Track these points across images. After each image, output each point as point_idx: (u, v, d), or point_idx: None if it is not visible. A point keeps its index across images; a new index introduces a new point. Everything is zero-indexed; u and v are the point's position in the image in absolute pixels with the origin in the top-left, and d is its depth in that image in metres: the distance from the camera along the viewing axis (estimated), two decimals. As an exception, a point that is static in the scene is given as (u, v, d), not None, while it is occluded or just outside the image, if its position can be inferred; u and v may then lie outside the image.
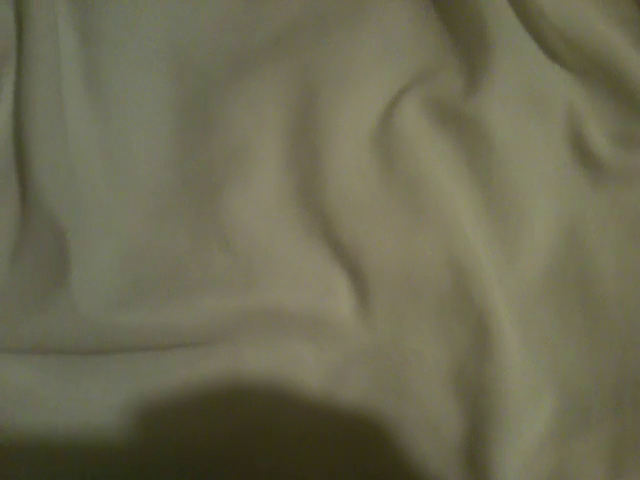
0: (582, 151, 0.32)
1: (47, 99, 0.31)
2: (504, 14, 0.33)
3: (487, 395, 0.29)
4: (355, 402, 0.30)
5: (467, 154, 0.32)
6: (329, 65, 0.32)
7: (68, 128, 0.31)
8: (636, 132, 0.33)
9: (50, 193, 0.30)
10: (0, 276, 0.30)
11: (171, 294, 0.30)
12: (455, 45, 0.33)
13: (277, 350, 0.30)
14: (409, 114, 0.32)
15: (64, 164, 0.31)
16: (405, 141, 0.32)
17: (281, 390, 0.30)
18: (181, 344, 0.30)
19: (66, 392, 0.29)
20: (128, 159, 0.32)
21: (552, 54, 0.33)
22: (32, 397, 0.29)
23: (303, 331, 0.30)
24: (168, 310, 0.30)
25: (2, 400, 0.29)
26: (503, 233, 0.31)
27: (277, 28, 0.33)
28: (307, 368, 0.30)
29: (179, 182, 0.31)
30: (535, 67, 0.33)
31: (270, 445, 0.30)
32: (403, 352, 0.30)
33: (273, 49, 0.33)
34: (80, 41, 0.32)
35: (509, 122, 0.32)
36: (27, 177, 0.31)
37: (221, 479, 0.30)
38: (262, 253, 0.30)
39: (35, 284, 0.30)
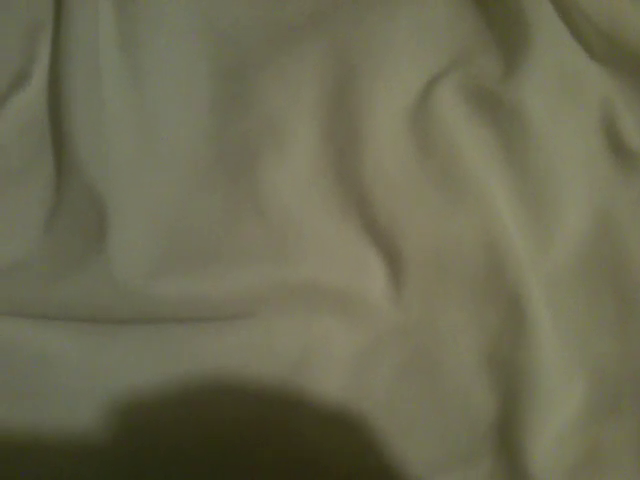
0: (615, 141, 0.33)
1: (84, 69, 0.31)
2: (543, 5, 0.33)
3: (520, 376, 0.29)
4: (385, 381, 0.29)
5: (503, 138, 0.32)
6: (366, 44, 0.33)
7: (105, 97, 0.31)
8: None
9: (87, 161, 0.30)
10: (34, 241, 0.30)
11: (205, 264, 0.30)
12: (493, 31, 0.34)
13: (309, 326, 0.30)
14: (446, 96, 0.32)
15: (101, 132, 0.31)
16: (442, 123, 0.32)
17: (310, 371, 0.30)
18: (214, 317, 0.29)
19: (98, 359, 0.29)
20: (164, 129, 0.32)
21: (588, 47, 0.33)
22: (63, 362, 0.29)
23: (335, 308, 0.30)
24: (200, 281, 0.29)
25: (33, 364, 0.29)
26: (537, 217, 0.31)
27: (312, 6, 0.34)
28: (337, 345, 0.30)
29: (215, 153, 0.32)
30: (572, 59, 0.33)
31: (285, 432, 0.29)
32: (436, 332, 0.30)
33: (309, 27, 0.33)
34: (117, 10, 0.32)
35: (545, 109, 0.32)
36: (63, 144, 0.31)
37: (241, 460, 0.29)
38: (296, 227, 0.30)
39: (70, 250, 0.30)
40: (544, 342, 0.29)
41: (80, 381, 0.29)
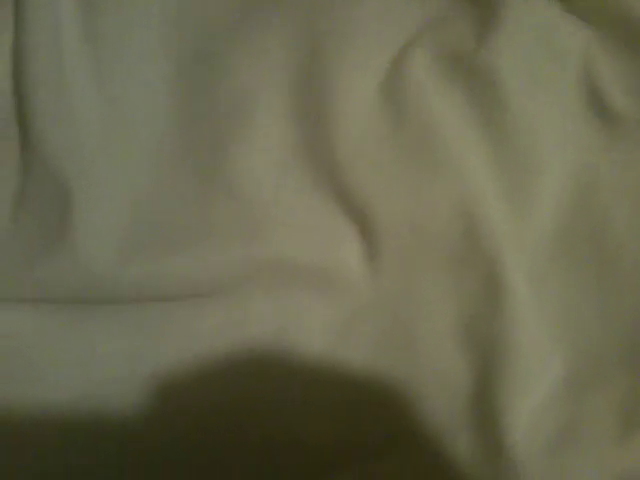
0: (597, 104, 0.32)
1: (46, 48, 0.30)
2: None
3: (497, 348, 0.28)
4: (363, 355, 0.29)
5: (479, 104, 0.31)
6: (333, 17, 0.32)
7: (67, 76, 0.31)
8: None
9: (51, 142, 0.30)
10: (1, 225, 0.30)
11: (176, 245, 0.29)
12: None
13: (284, 302, 0.29)
14: (418, 65, 0.31)
15: (65, 113, 0.30)
16: (415, 91, 0.31)
17: (285, 348, 0.29)
18: (187, 296, 0.29)
19: (72, 340, 0.29)
20: (128, 105, 0.31)
21: (568, 5, 0.32)
22: (36, 345, 0.29)
23: (310, 283, 0.29)
24: (173, 260, 0.29)
25: (6, 348, 0.28)
26: (515, 184, 0.30)
27: None
28: (314, 320, 0.29)
29: (182, 129, 0.31)
30: (550, 18, 0.32)
31: (271, 409, 0.29)
32: (412, 305, 0.29)
33: (275, 2, 0.32)
34: None
35: (522, 72, 0.31)
36: (28, 126, 0.30)
37: (217, 444, 0.29)
38: (268, 203, 0.30)
39: (37, 233, 0.29)
40: (521, 313, 0.29)
41: (56, 360, 0.28)
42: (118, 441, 0.28)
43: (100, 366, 0.28)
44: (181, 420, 0.29)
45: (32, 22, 0.31)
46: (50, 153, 0.30)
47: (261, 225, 0.30)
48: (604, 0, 0.32)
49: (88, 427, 0.28)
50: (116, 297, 0.29)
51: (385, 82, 0.31)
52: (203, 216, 0.30)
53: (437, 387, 0.29)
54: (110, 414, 0.28)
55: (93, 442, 0.28)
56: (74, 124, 0.30)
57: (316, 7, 0.32)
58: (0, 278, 0.29)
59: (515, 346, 0.28)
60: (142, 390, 0.28)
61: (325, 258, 0.29)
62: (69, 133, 0.30)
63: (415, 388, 0.29)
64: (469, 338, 0.29)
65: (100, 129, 0.31)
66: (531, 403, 0.28)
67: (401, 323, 0.29)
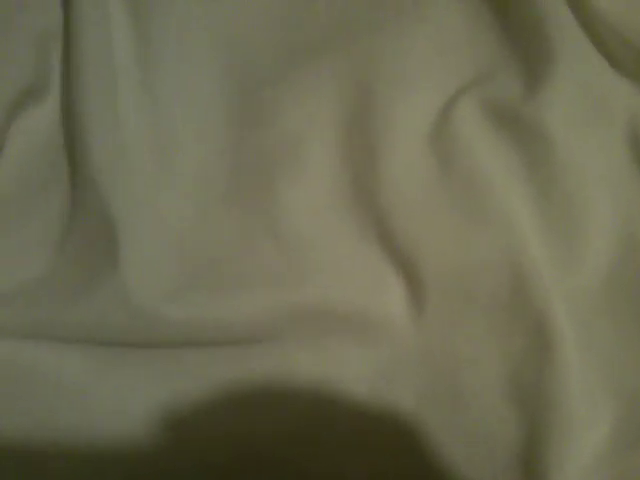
0: None
1: (99, 85, 0.31)
2: (565, 19, 0.32)
3: (544, 404, 0.28)
4: (405, 407, 0.29)
5: (526, 156, 0.31)
6: (384, 62, 0.32)
7: (120, 113, 0.31)
8: None
9: (100, 179, 0.30)
10: (47, 263, 0.30)
11: (220, 286, 0.29)
12: (513, 47, 0.33)
13: (325, 348, 0.29)
14: (467, 114, 0.31)
15: (115, 150, 0.31)
16: (462, 141, 0.31)
17: (327, 393, 0.29)
18: (229, 341, 0.29)
19: (111, 382, 0.29)
20: (179, 147, 0.32)
21: (614, 62, 0.33)
22: (76, 385, 0.29)
23: (352, 331, 0.29)
24: (215, 304, 0.29)
25: (46, 386, 0.29)
26: (562, 238, 0.30)
27: (328, 24, 0.33)
28: (355, 370, 0.29)
29: (229, 172, 0.31)
30: (596, 73, 0.32)
31: (312, 448, 0.29)
32: (457, 355, 0.29)
33: (325, 45, 0.33)
34: (132, 25, 0.33)
35: (569, 126, 0.31)
36: (78, 163, 0.31)
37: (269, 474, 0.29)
38: (313, 248, 0.30)
39: (83, 271, 0.30)
40: (569, 369, 0.28)
41: (95, 403, 0.28)
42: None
43: (133, 413, 0.29)
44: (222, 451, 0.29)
45: (84, 51, 0.31)
46: (99, 187, 0.30)
47: (304, 270, 0.30)
48: None
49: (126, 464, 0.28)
50: (158, 336, 0.29)
51: (433, 130, 0.31)
52: (247, 257, 0.30)
53: (483, 440, 0.28)
54: (144, 455, 0.28)
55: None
56: (123, 159, 0.31)
57: (365, 54, 0.33)
58: (46, 315, 0.29)
59: (562, 403, 0.28)
60: (173, 436, 0.28)
61: (368, 305, 0.29)
62: (120, 171, 0.31)
63: (460, 443, 0.28)
64: (515, 394, 0.28)
65: (149, 164, 0.31)
66: (578, 461, 0.27)
67: (445, 375, 0.29)
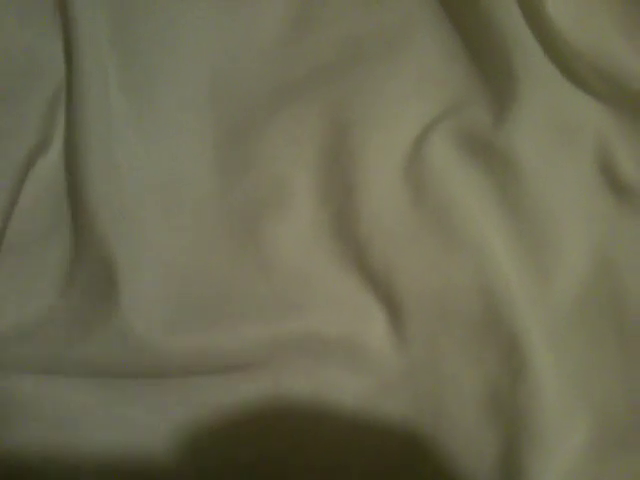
0: (611, 178, 0.33)
1: (96, 132, 0.33)
2: (529, 45, 0.34)
3: (521, 417, 0.29)
4: (391, 425, 0.31)
5: (497, 183, 0.33)
6: (360, 101, 0.34)
7: (116, 160, 0.33)
8: None
9: (100, 221, 0.32)
10: (53, 301, 0.32)
11: (215, 319, 0.31)
12: (483, 77, 0.35)
13: (314, 374, 0.31)
14: (439, 145, 0.33)
15: (112, 194, 0.33)
16: (435, 171, 0.33)
17: (317, 414, 0.31)
18: (224, 368, 0.31)
19: (117, 414, 0.31)
20: (172, 189, 0.34)
21: (580, 82, 0.34)
22: (85, 418, 0.31)
23: (339, 356, 0.31)
24: (212, 335, 0.31)
25: (57, 420, 0.31)
26: (534, 259, 0.32)
27: (316, 60, 0.35)
28: (343, 392, 0.31)
29: (221, 212, 0.33)
30: (563, 96, 0.34)
31: (303, 470, 0.31)
32: (438, 376, 0.31)
33: (310, 82, 0.35)
34: (127, 78, 0.35)
35: (538, 151, 0.33)
36: (78, 207, 0.33)
37: None
38: (300, 281, 0.32)
39: (86, 309, 0.32)
40: (544, 383, 0.30)
41: (102, 433, 0.31)
42: None
43: (142, 436, 0.31)
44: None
45: (82, 103, 0.34)
46: (100, 232, 0.32)
47: (291, 301, 0.32)
48: (614, 76, 0.34)
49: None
50: (158, 367, 0.31)
51: (407, 163, 0.33)
52: (239, 290, 0.32)
53: (464, 454, 0.30)
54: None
55: None
56: (122, 202, 0.33)
57: (343, 93, 0.34)
58: (52, 352, 0.31)
59: (539, 413, 0.29)
60: (180, 462, 0.30)
61: (353, 332, 0.31)
62: (118, 213, 0.33)
63: (442, 456, 0.30)
64: (494, 407, 0.30)
65: (146, 210, 0.33)
66: (556, 471, 0.29)
67: (428, 394, 0.31)
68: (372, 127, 0.33)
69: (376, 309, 0.32)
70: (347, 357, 0.31)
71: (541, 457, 0.29)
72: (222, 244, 0.33)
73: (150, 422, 0.31)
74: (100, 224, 0.32)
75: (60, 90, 0.34)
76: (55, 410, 0.31)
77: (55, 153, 0.34)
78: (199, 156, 0.34)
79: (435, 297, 0.31)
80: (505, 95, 0.34)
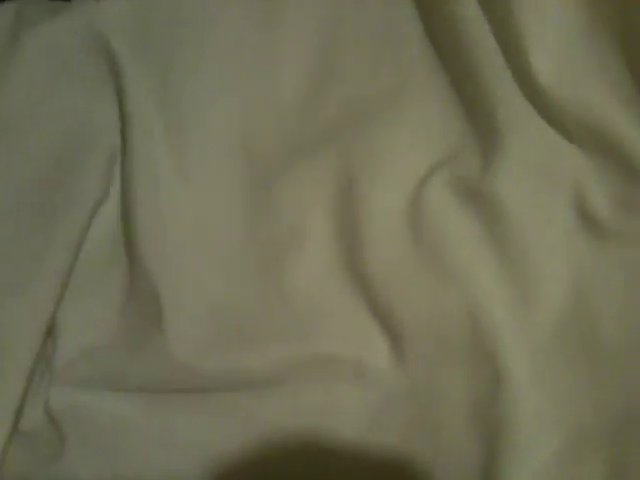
0: (587, 218, 0.38)
1: (144, 183, 0.39)
2: (514, 97, 0.38)
3: (501, 429, 0.34)
4: (392, 439, 0.36)
5: (485, 224, 0.38)
6: (367, 152, 0.39)
7: (162, 209, 0.39)
8: (635, 198, 0.38)
9: (148, 261, 0.38)
10: (111, 328, 0.39)
11: (243, 343, 0.37)
12: (474, 129, 0.39)
13: (328, 390, 0.37)
14: (435, 192, 0.38)
15: (158, 236, 0.39)
16: (432, 214, 0.38)
17: (326, 432, 0.36)
18: (252, 385, 0.37)
19: (167, 424, 0.37)
20: (208, 231, 0.40)
21: (560, 130, 0.38)
22: (136, 429, 0.37)
23: (349, 375, 0.37)
24: (240, 356, 0.37)
25: (113, 431, 0.37)
26: (517, 291, 0.36)
27: (327, 118, 0.40)
28: (349, 407, 0.36)
29: (247, 253, 0.39)
30: (544, 143, 0.38)
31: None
32: (432, 393, 0.36)
33: (322, 138, 0.40)
34: (167, 127, 0.40)
35: (520, 195, 0.38)
36: (132, 249, 0.39)
37: None
38: (315, 311, 0.38)
39: (138, 335, 0.38)
40: (522, 400, 0.34)
41: (153, 445, 0.36)
42: None
43: (179, 448, 0.36)
44: None
45: (135, 157, 0.39)
46: (147, 270, 0.38)
47: (308, 327, 0.37)
48: (592, 124, 0.38)
49: None
50: (197, 384, 0.37)
51: (408, 206, 0.38)
52: (264, 320, 0.38)
53: (454, 467, 0.35)
54: None
55: None
56: (166, 246, 0.39)
57: (352, 147, 0.40)
58: (111, 371, 0.38)
59: (517, 426, 0.34)
60: (210, 466, 0.36)
61: (359, 355, 0.37)
62: (162, 253, 0.39)
63: (438, 465, 0.35)
64: (479, 420, 0.35)
65: (187, 247, 0.39)
66: (531, 475, 0.34)
67: (425, 410, 0.36)
68: (376, 177, 0.39)
69: (380, 336, 0.37)
70: (355, 376, 0.37)
71: (517, 465, 0.34)
72: (249, 280, 0.39)
73: (186, 435, 0.36)
74: (148, 264, 0.38)
75: (115, 150, 0.40)
76: (113, 419, 0.37)
77: (113, 204, 0.40)
78: (230, 203, 0.40)
79: (430, 325, 0.37)
80: (492, 145, 0.38)
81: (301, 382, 0.37)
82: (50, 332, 0.38)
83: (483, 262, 0.37)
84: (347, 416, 0.36)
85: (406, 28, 0.40)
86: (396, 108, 0.40)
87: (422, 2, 0.40)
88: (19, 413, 0.36)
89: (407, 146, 0.39)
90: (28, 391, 0.36)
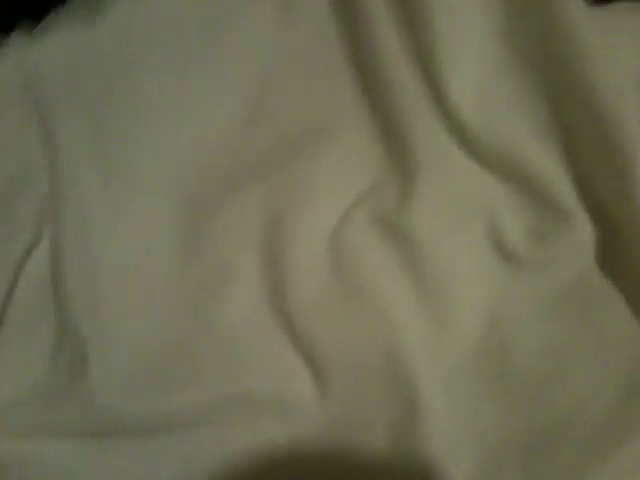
0: (500, 247, 0.40)
1: (74, 228, 0.40)
2: (433, 131, 0.40)
3: (419, 452, 0.35)
4: (313, 465, 0.37)
5: (402, 257, 0.39)
6: (293, 188, 0.41)
7: (93, 255, 0.40)
8: (546, 228, 0.40)
9: (76, 306, 0.39)
10: (40, 375, 0.39)
11: (169, 385, 0.38)
12: (393, 161, 0.41)
13: (253, 428, 0.37)
14: (354, 227, 0.40)
15: (84, 282, 0.39)
16: (351, 248, 0.39)
17: (258, 462, 0.37)
18: (173, 427, 0.37)
19: (90, 466, 0.37)
20: (138, 273, 0.40)
21: (477, 162, 0.40)
22: (67, 472, 0.37)
23: (271, 410, 0.37)
24: (166, 398, 0.37)
25: (43, 475, 0.37)
26: (433, 319, 0.38)
27: (259, 156, 0.42)
28: (277, 440, 0.37)
29: (176, 291, 0.40)
30: (460, 175, 0.40)
31: None
32: (354, 426, 0.37)
33: (255, 170, 0.41)
34: (97, 172, 0.41)
35: (435, 226, 0.39)
36: (60, 293, 0.40)
37: None
38: (241, 348, 0.38)
39: (65, 382, 0.38)
40: (438, 423, 0.36)
41: None
42: None
43: None
44: None
45: (64, 201, 0.40)
46: (75, 314, 0.39)
47: (235, 365, 0.38)
48: (505, 154, 0.40)
49: None
50: (122, 428, 0.37)
51: (329, 243, 0.40)
52: (191, 360, 0.38)
53: None
54: None
55: None
56: (95, 289, 0.39)
57: (282, 183, 0.41)
58: (37, 419, 0.38)
59: (434, 447, 0.36)
60: None
61: (284, 390, 0.38)
62: (91, 296, 0.39)
63: None
64: (395, 447, 0.36)
65: (115, 291, 0.40)
66: None
67: (345, 441, 0.37)
68: (299, 212, 0.40)
69: (303, 370, 0.38)
70: (278, 410, 0.37)
71: None
72: (175, 321, 0.39)
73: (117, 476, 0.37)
74: (76, 308, 0.39)
75: (46, 198, 0.41)
76: (41, 467, 0.37)
77: (44, 249, 0.40)
78: (160, 244, 0.41)
79: (351, 357, 0.37)
80: (410, 178, 0.40)
81: (225, 421, 0.37)
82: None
83: (400, 293, 0.38)
84: (270, 448, 0.37)
85: (336, 57, 0.42)
86: (322, 141, 0.42)
87: (348, 28, 0.42)
88: None
89: (329, 180, 0.41)
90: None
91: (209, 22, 0.42)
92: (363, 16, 0.41)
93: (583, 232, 0.39)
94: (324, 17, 0.42)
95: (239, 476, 0.37)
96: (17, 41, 0.41)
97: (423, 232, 0.39)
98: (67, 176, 0.41)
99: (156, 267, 0.41)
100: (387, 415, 0.37)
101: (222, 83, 0.42)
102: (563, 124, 0.40)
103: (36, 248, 0.41)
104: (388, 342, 0.37)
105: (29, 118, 0.41)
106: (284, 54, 0.42)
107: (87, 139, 0.41)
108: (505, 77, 0.41)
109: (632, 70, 0.40)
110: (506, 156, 0.40)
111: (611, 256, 0.39)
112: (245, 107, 0.42)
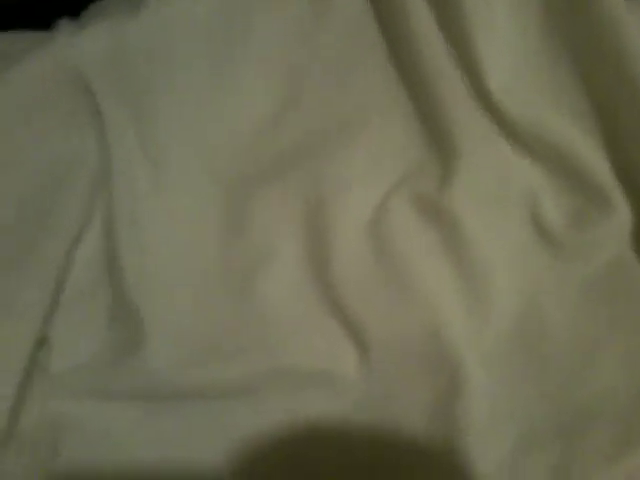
0: (540, 231, 0.41)
1: (125, 209, 0.42)
2: (470, 115, 0.41)
3: (459, 429, 0.37)
4: (360, 440, 0.38)
5: (443, 239, 0.40)
6: (332, 173, 0.42)
7: (144, 241, 0.42)
8: (586, 212, 0.41)
9: (129, 284, 0.41)
10: (98, 343, 0.41)
11: (218, 357, 0.40)
12: (432, 146, 0.42)
13: (296, 400, 0.39)
14: (396, 208, 0.41)
15: (138, 260, 0.41)
16: (394, 232, 0.41)
17: (302, 433, 0.38)
18: (224, 394, 0.39)
19: (140, 428, 0.39)
20: (186, 252, 0.42)
21: (514, 145, 0.41)
22: (120, 432, 0.39)
23: (318, 384, 0.39)
24: (217, 369, 0.39)
25: (104, 436, 0.39)
26: (473, 303, 0.39)
27: (295, 144, 0.43)
28: (320, 414, 0.38)
29: (220, 271, 0.42)
30: (499, 158, 0.41)
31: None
32: (395, 398, 0.38)
33: (293, 157, 0.43)
34: (145, 156, 0.43)
35: (476, 209, 0.40)
36: (114, 271, 0.42)
37: None
38: (286, 325, 0.40)
39: (122, 351, 0.40)
40: (477, 402, 0.37)
41: (141, 450, 0.38)
42: None
43: (169, 447, 0.39)
44: None
45: (115, 182, 0.42)
46: (128, 292, 0.41)
47: (279, 340, 0.40)
48: (546, 139, 0.41)
49: None
50: (176, 395, 0.39)
51: (371, 223, 0.41)
52: (238, 335, 0.40)
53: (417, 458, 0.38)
54: None
55: None
56: (145, 268, 0.41)
57: (318, 166, 0.42)
58: (99, 383, 0.40)
59: (473, 425, 0.37)
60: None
61: (328, 364, 0.39)
62: (141, 275, 0.41)
63: (403, 461, 0.38)
64: (439, 416, 0.37)
65: (164, 270, 0.41)
66: (483, 471, 0.36)
67: (389, 414, 0.38)
68: (340, 198, 0.41)
69: (346, 345, 0.39)
70: (322, 385, 0.39)
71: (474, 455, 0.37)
72: (222, 298, 0.41)
73: (173, 435, 0.39)
74: (128, 286, 0.41)
75: (96, 178, 0.42)
76: (97, 428, 0.39)
77: (96, 230, 0.42)
78: (205, 225, 0.42)
79: (394, 337, 0.39)
80: (450, 162, 0.41)
81: (270, 392, 0.39)
82: (43, 345, 0.41)
83: (441, 275, 0.40)
84: (315, 422, 0.39)
85: (370, 52, 0.43)
86: (360, 130, 0.43)
87: (384, 23, 0.43)
88: (14, 419, 0.38)
89: (370, 166, 0.42)
90: (22, 399, 0.39)
91: (243, 15, 0.44)
92: (400, 8, 0.42)
93: (622, 217, 0.40)
94: (358, 10, 0.43)
95: (280, 446, 0.39)
96: (64, 31, 0.43)
97: (464, 216, 0.40)
98: (116, 159, 0.42)
99: (203, 246, 0.42)
100: (429, 391, 0.38)
101: (255, 76, 0.44)
102: (602, 110, 0.41)
103: (89, 224, 0.42)
104: (430, 322, 0.39)
105: (75, 108, 0.43)
106: (317, 47, 0.44)
107: (133, 124, 0.43)
108: (543, 64, 0.42)
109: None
110: (545, 141, 0.41)
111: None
112: (279, 99, 0.44)
